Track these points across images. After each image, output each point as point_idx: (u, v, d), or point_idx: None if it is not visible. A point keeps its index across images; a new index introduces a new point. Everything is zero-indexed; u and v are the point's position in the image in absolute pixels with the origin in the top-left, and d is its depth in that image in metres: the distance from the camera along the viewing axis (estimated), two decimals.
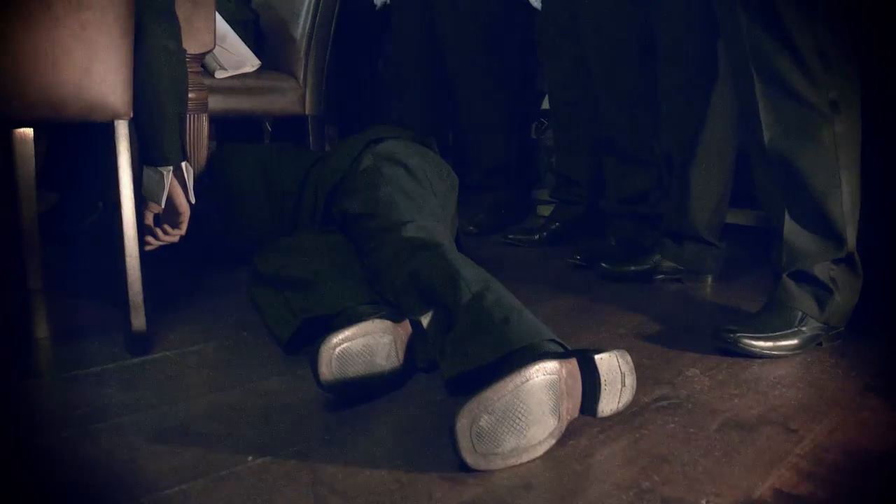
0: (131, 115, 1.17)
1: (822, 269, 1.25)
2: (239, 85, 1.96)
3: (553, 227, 1.99)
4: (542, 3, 1.97)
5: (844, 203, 1.24)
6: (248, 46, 2.06)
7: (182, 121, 1.48)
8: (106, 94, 1.11)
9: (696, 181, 1.56)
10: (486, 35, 2.16)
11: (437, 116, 2.31)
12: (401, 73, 2.30)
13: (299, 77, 2.07)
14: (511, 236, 2.00)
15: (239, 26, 2.05)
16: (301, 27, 2.07)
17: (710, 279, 1.64)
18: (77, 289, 1.58)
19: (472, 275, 1.14)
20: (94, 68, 1.08)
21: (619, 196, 1.80)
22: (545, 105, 2.48)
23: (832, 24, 1.22)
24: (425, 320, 1.12)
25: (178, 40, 1.41)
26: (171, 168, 1.38)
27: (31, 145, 1.38)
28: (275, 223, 1.71)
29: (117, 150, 1.15)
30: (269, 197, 1.72)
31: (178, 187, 1.42)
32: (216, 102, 1.90)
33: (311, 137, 2.08)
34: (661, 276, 1.64)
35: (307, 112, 2.07)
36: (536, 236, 1.99)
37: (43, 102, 1.05)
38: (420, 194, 1.44)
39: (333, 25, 2.10)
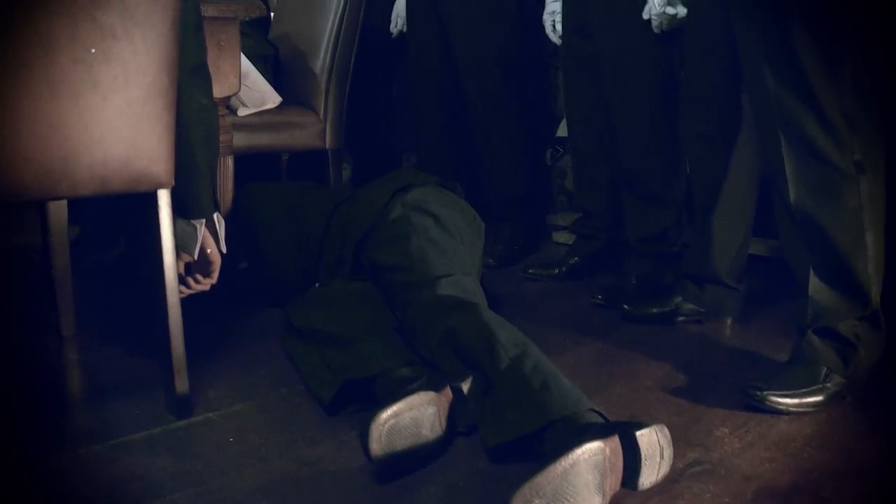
0: (173, 183, 1.19)
1: (847, 326, 1.28)
2: (260, 121, 1.98)
3: (572, 261, 2.02)
4: (563, 38, 1.99)
5: (869, 262, 1.27)
6: (268, 81, 2.08)
7: (213, 173, 1.51)
8: (150, 165, 1.13)
9: (718, 227, 1.59)
10: (502, 60, 2.17)
11: (455, 146, 2.33)
12: (419, 104, 2.32)
13: (319, 111, 2.08)
14: (531, 271, 2.03)
15: (259, 61, 2.06)
16: (321, 61, 2.08)
17: (729, 320, 1.67)
18: (108, 334, 1.60)
19: (507, 338, 1.18)
20: (141, 143, 1.10)
21: (639, 234, 1.83)
22: (561, 132, 2.50)
23: (857, 88, 1.25)
24: (465, 386, 1.15)
25: (211, 95, 1.43)
26: (203, 220, 1.40)
27: (65, 209, 1.41)
28: (299, 264, 1.73)
29: (160, 220, 1.17)
30: (294, 237, 1.74)
31: (210, 238, 1.44)
32: (239, 140, 1.91)
33: (330, 171, 2.10)
34: (682, 318, 1.67)
35: (327, 146, 2.09)
36: (556, 270, 2.02)
37: (89, 179, 1.07)
38: (450, 246, 1.47)
39: (353, 58, 2.12)
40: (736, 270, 1.63)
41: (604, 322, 1.70)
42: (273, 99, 2.00)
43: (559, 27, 2.02)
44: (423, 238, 1.45)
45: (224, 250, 1.46)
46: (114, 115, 1.06)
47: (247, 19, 1.78)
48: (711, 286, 1.64)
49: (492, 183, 2.25)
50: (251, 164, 2.11)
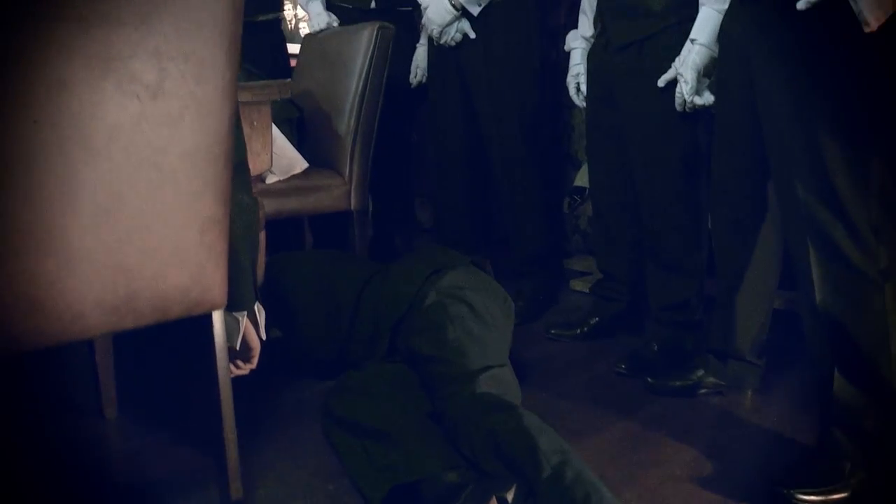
0: (227, 303, 1.23)
1: (871, 422, 1.34)
2: (287, 187, 2.01)
3: (593, 321, 2.07)
4: (587, 103, 2.02)
5: (894, 362, 1.32)
6: (293, 142, 2.11)
7: (255, 266, 1.55)
8: (208, 291, 1.17)
9: (741, 308, 1.63)
10: (524, 119, 2.21)
11: (475, 202, 2.36)
12: (439, 159, 2.35)
13: (344, 173, 2.12)
14: (553, 332, 2.08)
15: (285, 125, 2.09)
16: (346, 124, 2.11)
17: (750, 392, 1.73)
18: (150, 415, 1.64)
19: (548, 445, 1.23)
20: (200, 272, 1.14)
21: (661, 303, 1.88)
22: (579, 181, 2.53)
23: (884, 198, 1.29)
24: (510, 496, 1.21)
25: (251, 191, 1.47)
26: (245, 313, 1.45)
27: None
28: (331, 335, 1.77)
29: (215, 339, 1.21)
30: (325, 308, 1.78)
31: (251, 327, 1.48)
32: (267, 205, 1.94)
33: (355, 231, 2.14)
34: (704, 391, 1.73)
35: (352, 207, 2.13)
36: (578, 331, 2.07)
37: (151, 311, 1.11)
38: (485, 336, 1.52)
39: (377, 120, 2.15)
40: (757, 347, 1.68)
41: (628, 395, 1.75)
42: (300, 164, 2.03)
43: (584, 89, 2.05)
44: (460, 328, 1.50)
45: (264, 337, 1.50)
46: (175, 249, 1.10)
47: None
48: (733, 361, 1.69)
49: (512, 239, 2.29)
50: (274, 225, 2.14)
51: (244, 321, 1.46)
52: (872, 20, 1.20)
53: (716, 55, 1.60)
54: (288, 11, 2.84)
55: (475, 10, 2.15)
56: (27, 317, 0.99)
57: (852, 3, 1.21)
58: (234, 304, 1.48)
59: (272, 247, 2.00)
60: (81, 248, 1.00)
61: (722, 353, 1.70)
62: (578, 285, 2.50)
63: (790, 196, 1.37)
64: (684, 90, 1.62)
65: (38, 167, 0.94)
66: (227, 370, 1.24)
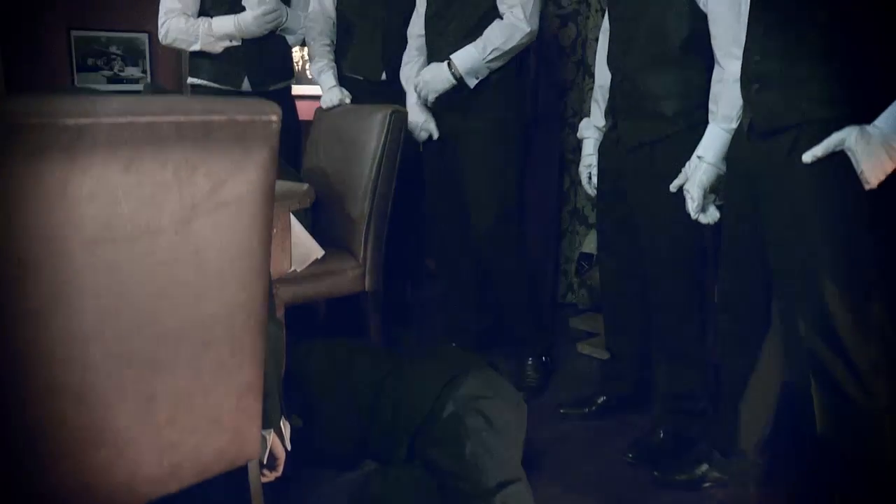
0: (261, 455, 1.29)
1: None
2: (303, 274, 2.06)
3: (600, 400, 2.14)
4: (598, 194, 2.07)
5: None
6: (307, 225, 2.15)
7: (280, 386, 1.61)
8: (247, 446, 1.23)
9: (745, 413, 1.70)
10: (509, 208, 2.28)
11: (476, 278, 2.44)
12: (442, 242, 2.41)
13: (359, 256, 2.17)
14: (562, 410, 2.15)
15: (300, 211, 2.13)
16: (360, 207, 2.15)
17: (753, 487, 1.80)
18: None
19: None
20: (238, 434, 1.20)
21: (667, 393, 1.95)
22: (586, 247, 2.59)
23: (884, 337, 1.36)
24: None
25: (275, 317, 1.52)
26: (272, 430, 1.52)
27: None
28: (351, 428, 1.84)
29: (251, 489, 1.27)
30: (345, 401, 1.85)
31: (277, 439, 1.55)
32: (284, 293, 2.00)
33: (370, 313, 2.19)
34: (708, 484, 1.80)
35: (367, 289, 2.18)
36: (586, 409, 2.14)
37: (192, 474, 1.17)
38: (501, 450, 1.59)
39: (391, 202, 2.19)
40: (760, 445, 1.76)
41: (637, 487, 1.82)
42: (317, 252, 2.06)
43: (594, 179, 2.10)
44: (477, 443, 1.57)
45: (289, 448, 1.57)
46: (214, 419, 1.16)
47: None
48: (737, 458, 1.77)
49: (513, 320, 2.36)
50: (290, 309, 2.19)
51: (271, 437, 1.53)
52: (873, 179, 1.26)
53: (722, 172, 1.65)
54: (295, 52, 2.86)
55: (472, 83, 2.21)
56: (80, 499, 1.05)
57: (854, 163, 1.27)
58: (262, 424, 1.56)
59: (290, 327, 2.06)
60: (130, 437, 1.06)
61: (725, 451, 1.78)
62: (586, 349, 2.56)
63: (792, 329, 1.43)
64: (690, 207, 1.67)
65: (89, 373, 1.00)
66: None
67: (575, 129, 3.01)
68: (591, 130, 2.13)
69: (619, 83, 1.92)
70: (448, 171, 2.34)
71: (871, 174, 1.26)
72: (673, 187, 1.78)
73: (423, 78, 2.26)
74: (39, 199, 0.90)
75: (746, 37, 1.47)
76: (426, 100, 2.28)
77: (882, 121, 1.26)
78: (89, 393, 1.01)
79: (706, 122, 1.74)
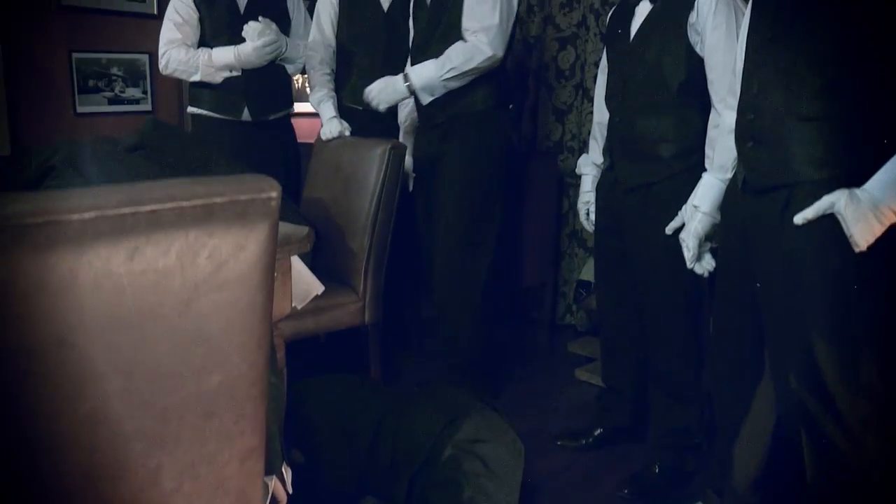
0: (263, 502, 1.32)
1: None
2: (304, 309, 2.09)
3: (597, 433, 2.17)
4: (595, 231, 2.09)
5: None
6: (307, 260, 2.18)
7: (281, 433, 1.64)
8: (250, 502, 1.26)
9: (738, 456, 1.73)
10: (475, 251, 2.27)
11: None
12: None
13: (359, 290, 2.19)
14: (559, 442, 2.18)
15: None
16: (360, 241, 2.18)
17: None
18: None
19: None
20: (246, 492, 1.23)
21: (663, 428, 1.98)
22: (585, 275, 2.61)
23: (873, 393, 1.38)
24: None
25: (276, 369, 1.55)
26: (273, 475, 1.55)
27: None
28: (349, 469, 1.87)
29: None
30: (344, 443, 1.88)
31: (279, 483, 1.59)
32: (286, 328, 2.03)
33: (370, 344, 2.22)
34: None
35: (367, 322, 2.21)
36: (583, 441, 2.17)
37: None
38: (497, 494, 1.62)
39: (390, 236, 2.22)
40: (753, 486, 1.78)
41: None
42: (317, 288, 2.09)
43: (592, 216, 2.12)
44: (475, 488, 1.60)
45: (290, 491, 1.61)
46: (217, 483, 1.19)
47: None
48: (730, 497, 1.80)
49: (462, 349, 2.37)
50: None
51: (273, 483, 1.56)
52: (862, 242, 1.29)
53: (718, 221, 1.67)
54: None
55: (425, 100, 2.23)
56: None
57: (844, 227, 1.29)
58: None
59: (290, 354, 2.08)
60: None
61: (720, 490, 1.81)
62: (584, 375, 2.59)
63: (783, 380, 1.46)
64: (686, 257, 1.70)
65: (97, 455, 1.03)
66: None
67: (574, 152, 3.05)
68: (589, 167, 2.15)
69: (616, 124, 1.94)
70: (425, 198, 2.36)
71: (861, 238, 1.28)
72: (669, 230, 1.80)
73: (374, 87, 2.28)
74: (47, 292, 0.92)
75: (741, 93, 1.49)
76: (377, 108, 2.30)
77: (871, 185, 1.28)
78: (96, 470, 1.04)
79: (703, 165, 1.76)
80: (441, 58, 2.18)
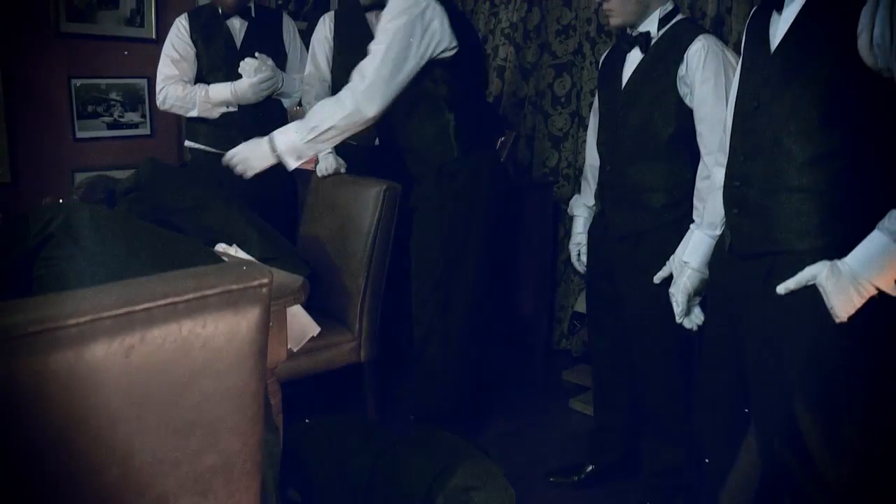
0: None
1: None
2: (299, 350, 2.12)
3: (589, 469, 2.20)
4: (587, 272, 2.12)
5: None
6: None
7: (276, 482, 1.67)
8: None
9: (725, 502, 1.77)
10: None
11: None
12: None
13: (354, 329, 2.22)
14: (552, 479, 2.21)
15: None
16: (355, 282, 2.20)
17: None
18: None
19: None
20: None
21: (654, 469, 2.01)
22: (578, 307, 2.64)
23: (855, 459, 1.41)
24: None
25: (272, 425, 1.59)
26: None
27: None
28: None
29: None
30: (339, 484, 1.92)
31: None
32: (280, 370, 2.06)
33: (366, 381, 2.25)
34: None
35: (363, 360, 2.24)
36: (575, 478, 2.20)
37: None
38: None
39: (385, 274, 2.24)
40: None
41: None
42: (313, 330, 2.12)
43: (584, 258, 2.15)
44: None
45: None
46: None
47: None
48: None
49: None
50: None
51: None
52: (842, 314, 1.32)
53: (706, 277, 1.70)
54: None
55: (292, 164, 2.05)
56: None
57: (825, 299, 1.32)
58: None
59: (285, 389, 2.11)
60: None
61: None
62: (578, 405, 2.62)
63: (767, 442, 1.49)
64: (675, 311, 1.72)
65: None
66: None
67: (569, 179, 3.07)
68: (581, 209, 2.18)
69: (607, 172, 1.97)
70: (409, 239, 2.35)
71: (841, 310, 1.31)
72: (657, 279, 1.83)
73: (240, 154, 2.09)
74: (45, 395, 0.96)
75: (728, 157, 1.51)
76: (242, 175, 2.10)
77: (852, 258, 1.30)
78: None
79: (691, 216, 1.79)
80: (305, 117, 2.05)
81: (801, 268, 1.35)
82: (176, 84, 2.46)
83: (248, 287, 1.13)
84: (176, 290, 1.05)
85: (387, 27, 1.99)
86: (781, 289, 1.36)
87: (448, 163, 2.14)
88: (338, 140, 2.06)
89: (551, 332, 3.08)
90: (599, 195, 2.03)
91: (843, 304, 1.30)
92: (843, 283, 1.30)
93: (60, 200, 2.07)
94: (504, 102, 3.16)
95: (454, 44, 2.04)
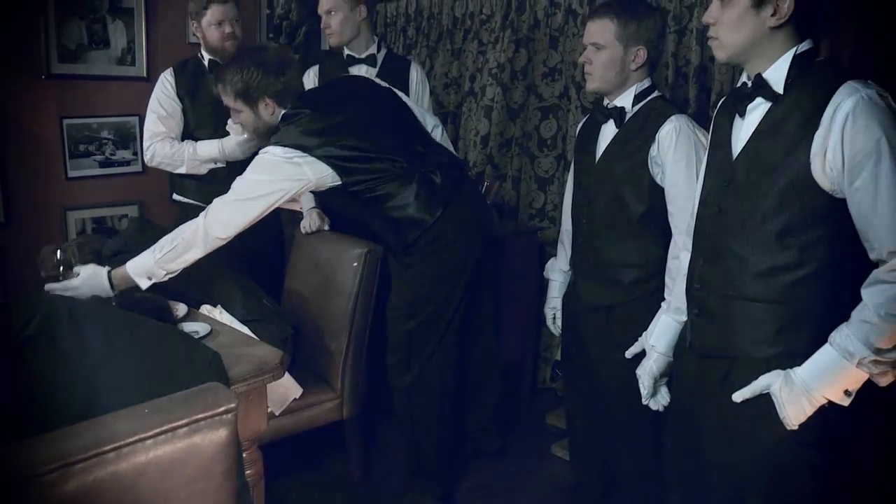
0: None
1: None
2: (282, 411, 2.17)
3: None
4: (562, 339, 2.16)
5: None
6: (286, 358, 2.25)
7: None
8: None
9: None
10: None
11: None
12: None
13: (336, 387, 2.27)
14: None
15: (279, 344, 2.22)
16: (337, 341, 2.24)
17: None
18: None
19: None
20: None
21: None
22: (559, 355, 2.67)
23: None
24: None
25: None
26: None
27: None
28: None
29: None
30: None
31: None
32: (263, 433, 2.11)
33: (348, 438, 2.30)
34: None
35: (345, 417, 2.29)
36: None
37: None
38: None
39: (368, 334, 2.29)
40: None
41: None
42: (295, 392, 2.17)
43: (559, 322, 2.19)
44: None
45: None
46: None
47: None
48: None
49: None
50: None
51: None
52: (794, 422, 1.37)
53: (671, 360, 1.73)
54: None
55: (144, 284, 2.00)
56: None
57: (777, 408, 1.36)
58: None
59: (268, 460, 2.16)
60: None
61: None
62: (559, 451, 2.67)
63: None
64: (642, 393, 1.77)
65: None
66: None
67: (555, 221, 3.10)
68: (556, 273, 2.21)
69: (579, 245, 2.00)
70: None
71: (793, 418, 1.35)
72: (629, 354, 1.87)
73: (73, 285, 1.94)
74: None
75: (690, 260, 1.55)
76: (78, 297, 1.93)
77: (805, 369, 1.35)
78: None
79: (662, 290, 1.82)
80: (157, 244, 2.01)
81: (757, 374, 1.39)
82: (163, 141, 2.49)
83: (215, 414, 1.18)
84: (144, 428, 1.10)
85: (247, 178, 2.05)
86: (738, 397, 1.41)
87: (420, 235, 2.15)
88: (190, 259, 2.00)
89: (536, 372, 3.13)
90: (573, 263, 2.07)
91: (796, 412, 1.35)
92: (796, 394, 1.34)
93: (58, 252, 2.10)
94: (491, 143, 3.19)
95: (337, 181, 2.06)
